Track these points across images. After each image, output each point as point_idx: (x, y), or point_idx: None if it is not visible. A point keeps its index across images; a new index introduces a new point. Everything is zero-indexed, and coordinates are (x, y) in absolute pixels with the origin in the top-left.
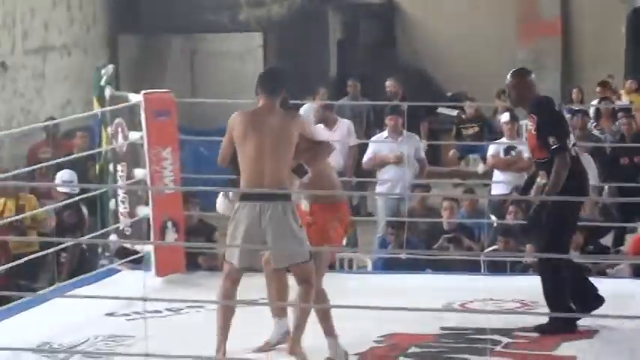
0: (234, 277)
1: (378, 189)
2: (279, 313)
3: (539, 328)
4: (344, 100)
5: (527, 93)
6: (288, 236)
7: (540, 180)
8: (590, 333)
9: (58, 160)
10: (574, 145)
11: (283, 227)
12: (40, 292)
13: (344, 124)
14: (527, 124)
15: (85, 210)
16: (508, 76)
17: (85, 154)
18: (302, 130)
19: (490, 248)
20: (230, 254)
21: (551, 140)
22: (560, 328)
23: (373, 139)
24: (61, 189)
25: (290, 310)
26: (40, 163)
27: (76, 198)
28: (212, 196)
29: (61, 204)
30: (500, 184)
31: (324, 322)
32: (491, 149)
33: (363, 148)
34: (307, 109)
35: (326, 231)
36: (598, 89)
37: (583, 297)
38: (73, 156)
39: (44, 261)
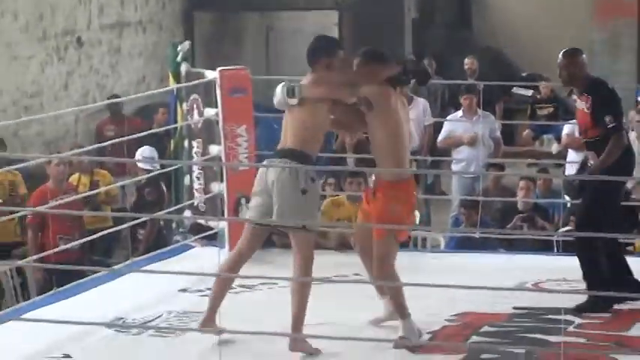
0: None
1: (453, 168)
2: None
3: (578, 309)
4: None
5: (578, 72)
6: (283, 196)
7: (590, 160)
8: None
9: (139, 135)
10: (626, 128)
11: (282, 186)
12: (115, 267)
13: (419, 103)
14: (579, 103)
15: (164, 187)
16: (559, 56)
17: (162, 129)
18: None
19: (564, 228)
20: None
21: (607, 119)
22: (599, 307)
23: (448, 118)
24: (141, 165)
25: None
26: (106, 140)
27: (154, 173)
28: None
29: (134, 179)
30: (575, 164)
31: (396, 301)
32: (566, 129)
33: (438, 127)
34: None
35: (384, 211)
36: None
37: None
38: (151, 131)
39: (119, 237)
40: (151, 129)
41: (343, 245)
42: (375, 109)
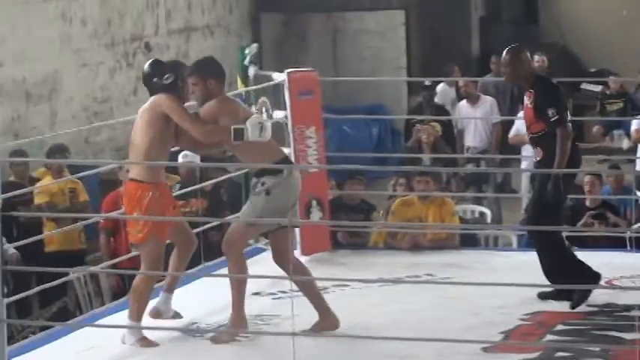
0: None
1: (523, 165)
2: None
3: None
4: (487, 77)
5: (522, 69)
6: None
7: (536, 156)
8: None
9: None
10: (569, 121)
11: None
12: (187, 271)
13: (487, 101)
14: (525, 99)
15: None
16: (503, 53)
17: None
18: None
19: (637, 225)
20: None
21: (550, 112)
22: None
23: (518, 115)
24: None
25: None
26: None
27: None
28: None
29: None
30: None
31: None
32: (635, 124)
33: (507, 126)
34: (442, 88)
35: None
36: None
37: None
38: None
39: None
40: None
41: (415, 245)
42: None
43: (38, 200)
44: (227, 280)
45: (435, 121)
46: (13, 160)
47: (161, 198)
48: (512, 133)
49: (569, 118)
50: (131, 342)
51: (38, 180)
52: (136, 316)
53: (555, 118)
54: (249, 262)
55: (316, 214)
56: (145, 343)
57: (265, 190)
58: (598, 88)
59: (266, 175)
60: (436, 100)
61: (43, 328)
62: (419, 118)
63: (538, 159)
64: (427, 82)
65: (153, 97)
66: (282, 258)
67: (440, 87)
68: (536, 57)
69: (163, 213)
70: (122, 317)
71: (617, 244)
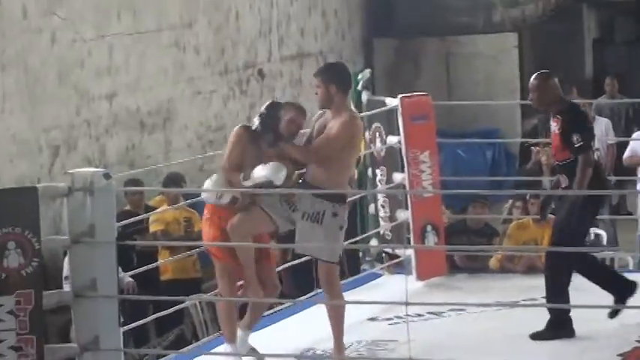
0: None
1: (639, 187)
2: None
3: (535, 336)
4: (602, 99)
5: (549, 95)
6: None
7: (562, 183)
8: None
9: None
10: (595, 149)
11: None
12: (302, 298)
13: (601, 122)
14: (552, 125)
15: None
16: (531, 78)
17: None
18: None
19: None
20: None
21: (574, 138)
22: (557, 333)
23: (633, 136)
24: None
25: None
26: None
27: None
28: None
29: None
30: None
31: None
32: None
33: (623, 147)
34: None
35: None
36: None
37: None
38: None
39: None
40: None
41: (531, 268)
42: None
43: (153, 228)
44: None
45: (549, 144)
46: (128, 189)
47: None
48: (627, 154)
49: (595, 146)
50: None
51: (154, 209)
52: (230, 337)
53: (579, 144)
54: (365, 287)
55: (431, 239)
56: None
57: (340, 225)
58: None
59: (339, 203)
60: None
61: (159, 357)
62: (534, 141)
63: (563, 186)
64: None
65: None
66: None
67: None
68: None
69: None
70: None
71: None
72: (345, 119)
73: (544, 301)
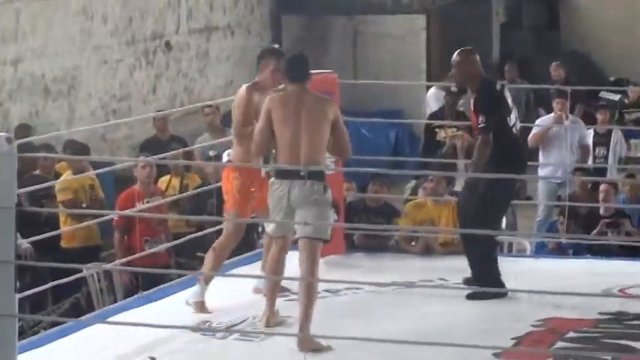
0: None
1: (540, 173)
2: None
3: (470, 296)
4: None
5: (471, 72)
6: (311, 210)
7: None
8: None
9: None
10: (514, 124)
11: (309, 202)
12: (201, 271)
13: None
14: (472, 103)
15: None
16: (454, 55)
17: None
18: (336, 116)
19: None
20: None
21: (480, 119)
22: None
23: (537, 122)
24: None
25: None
26: None
27: None
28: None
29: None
30: None
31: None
32: None
33: (524, 133)
34: (433, 92)
35: None
36: None
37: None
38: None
39: (205, 240)
40: None
41: (428, 249)
42: None
43: (62, 197)
44: (239, 280)
45: (456, 127)
46: (26, 155)
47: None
48: (531, 135)
49: (512, 122)
50: (192, 300)
51: (61, 175)
52: (207, 278)
53: (482, 125)
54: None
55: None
56: (201, 308)
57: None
58: (617, 97)
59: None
60: (431, 106)
61: (54, 324)
62: (438, 122)
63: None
64: (453, 88)
65: None
66: None
67: (431, 91)
68: (552, 67)
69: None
70: (133, 314)
71: (630, 252)
72: None
73: (440, 282)
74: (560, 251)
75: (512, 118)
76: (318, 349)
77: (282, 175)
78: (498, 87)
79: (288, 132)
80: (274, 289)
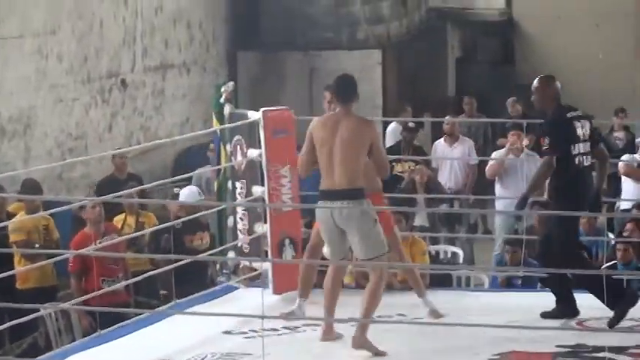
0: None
1: (497, 206)
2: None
3: (545, 314)
4: (461, 118)
5: (548, 98)
6: (360, 232)
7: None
8: None
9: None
10: (580, 154)
11: (352, 224)
12: (159, 309)
13: (465, 142)
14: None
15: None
16: (535, 80)
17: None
18: (374, 139)
19: (606, 264)
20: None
21: (545, 141)
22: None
23: (493, 155)
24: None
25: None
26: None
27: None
28: None
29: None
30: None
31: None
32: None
33: (483, 167)
34: (393, 128)
35: None
36: None
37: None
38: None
39: (163, 278)
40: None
41: (387, 285)
42: None
43: (14, 238)
44: (198, 318)
45: (414, 161)
46: None
47: None
48: (488, 166)
49: (576, 151)
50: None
51: (14, 215)
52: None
53: (545, 147)
54: (221, 300)
55: (289, 253)
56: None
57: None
58: None
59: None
60: (387, 140)
61: None
62: (393, 157)
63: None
64: (410, 124)
65: None
66: None
67: (391, 126)
68: (508, 101)
69: None
70: (91, 354)
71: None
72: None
73: (399, 318)
74: (509, 285)
75: (578, 147)
76: (369, 348)
77: (322, 196)
78: (569, 115)
79: (325, 153)
80: (333, 304)
